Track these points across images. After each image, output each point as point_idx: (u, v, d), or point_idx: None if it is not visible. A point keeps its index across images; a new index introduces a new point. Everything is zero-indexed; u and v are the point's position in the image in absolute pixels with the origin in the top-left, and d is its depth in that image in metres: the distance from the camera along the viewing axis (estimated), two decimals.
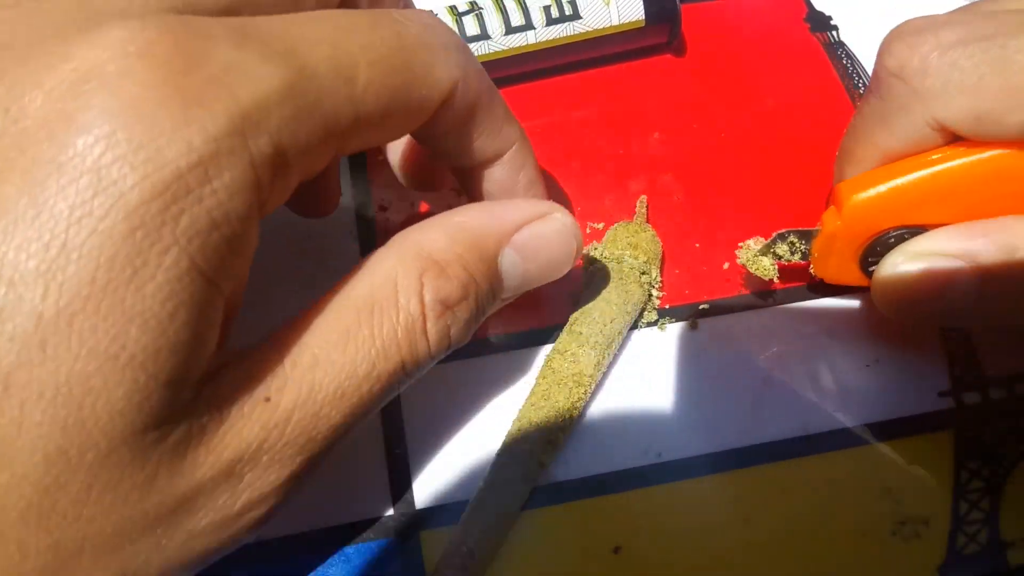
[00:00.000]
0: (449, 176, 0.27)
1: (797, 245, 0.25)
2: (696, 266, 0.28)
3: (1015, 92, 0.20)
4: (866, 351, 0.26)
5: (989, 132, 0.20)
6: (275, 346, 0.17)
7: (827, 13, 0.34)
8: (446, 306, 0.18)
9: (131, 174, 0.13)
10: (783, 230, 0.25)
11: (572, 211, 0.25)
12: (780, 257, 0.25)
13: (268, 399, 0.16)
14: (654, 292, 0.26)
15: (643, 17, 0.31)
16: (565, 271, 0.21)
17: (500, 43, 0.30)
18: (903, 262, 0.22)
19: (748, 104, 0.32)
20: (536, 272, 0.21)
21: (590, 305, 0.25)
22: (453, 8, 0.30)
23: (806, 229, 0.24)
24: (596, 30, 0.30)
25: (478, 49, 0.30)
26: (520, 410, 0.24)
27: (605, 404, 0.25)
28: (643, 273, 0.26)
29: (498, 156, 0.22)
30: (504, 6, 0.30)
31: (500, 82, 0.31)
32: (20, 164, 0.13)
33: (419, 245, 0.18)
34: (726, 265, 0.28)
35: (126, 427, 0.14)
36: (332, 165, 0.18)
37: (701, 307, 0.27)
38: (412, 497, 0.24)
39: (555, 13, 0.30)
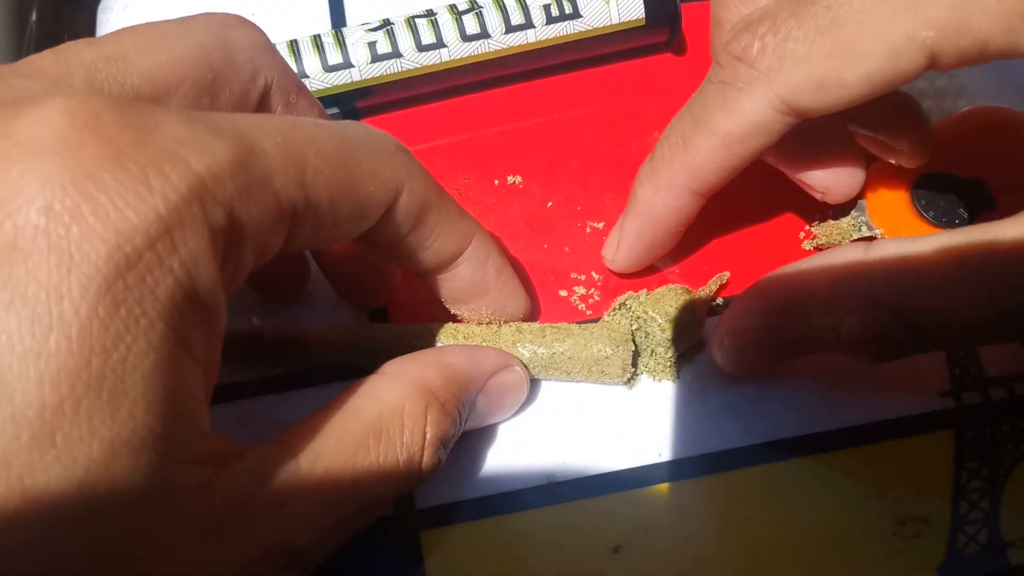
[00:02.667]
0: (391, 288, 0.27)
1: (857, 217, 0.27)
2: (696, 266, 0.28)
3: (848, 47, 0.19)
4: None
5: (834, 96, 0.20)
6: (289, 448, 0.18)
7: None
8: (441, 441, 0.20)
9: (102, 246, 0.13)
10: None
11: (571, 204, 0.25)
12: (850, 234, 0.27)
13: (280, 505, 0.17)
14: (663, 358, 0.25)
15: (643, 16, 0.31)
16: (509, 416, 0.25)
17: (500, 42, 0.30)
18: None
19: None
20: (493, 415, 0.24)
21: (561, 338, 0.24)
22: (453, 7, 0.30)
23: (854, 201, 0.27)
24: (596, 29, 0.30)
25: (477, 48, 0.30)
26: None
27: (605, 404, 0.25)
28: (650, 352, 0.25)
29: (459, 253, 0.22)
30: (504, 4, 0.30)
31: (500, 81, 0.31)
32: None
33: (423, 381, 0.20)
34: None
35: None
36: (292, 253, 0.19)
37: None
38: (413, 497, 0.24)
39: (555, 12, 0.30)
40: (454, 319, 0.25)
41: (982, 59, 0.19)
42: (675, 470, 0.24)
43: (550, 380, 0.25)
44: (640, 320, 0.25)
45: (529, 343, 0.24)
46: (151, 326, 0.13)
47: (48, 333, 0.12)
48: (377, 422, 0.19)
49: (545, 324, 0.25)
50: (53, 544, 0.13)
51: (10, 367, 0.12)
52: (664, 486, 0.24)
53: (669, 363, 0.25)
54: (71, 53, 0.17)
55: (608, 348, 0.24)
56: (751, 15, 0.22)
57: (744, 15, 0.22)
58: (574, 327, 0.25)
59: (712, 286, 0.27)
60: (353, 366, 0.24)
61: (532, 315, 0.26)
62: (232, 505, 0.16)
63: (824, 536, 0.23)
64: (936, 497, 0.24)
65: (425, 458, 0.20)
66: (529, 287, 0.27)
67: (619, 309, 0.26)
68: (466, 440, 0.25)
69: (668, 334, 0.25)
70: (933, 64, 0.19)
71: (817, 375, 0.25)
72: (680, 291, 0.26)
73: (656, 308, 0.25)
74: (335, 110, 0.31)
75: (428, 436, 0.20)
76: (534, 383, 0.25)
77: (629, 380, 0.25)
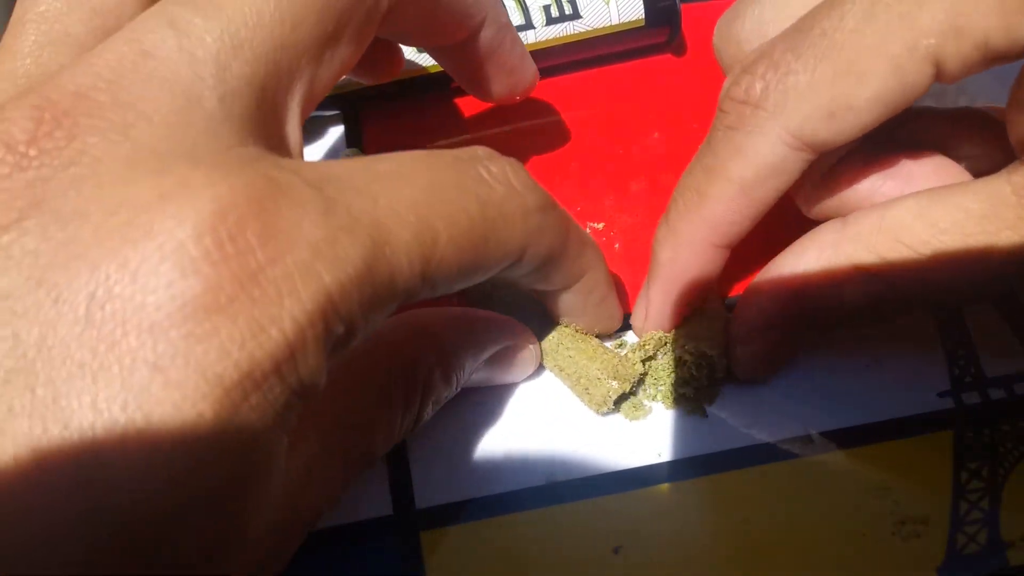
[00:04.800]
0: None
1: None
2: None
3: (850, 69, 0.19)
4: (866, 351, 0.26)
5: (847, 124, 0.19)
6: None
7: None
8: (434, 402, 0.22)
9: (235, 372, 0.13)
10: None
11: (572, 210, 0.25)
12: None
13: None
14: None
15: (643, 16, 0.31)
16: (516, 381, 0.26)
17: None
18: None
19: None
20: (495, 381, 0.25)
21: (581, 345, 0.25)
22: None
23: None
24: (596, 30, 0.30)
25: None
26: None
27: None
28: (674, 397, 0.25)
29: (566, 288, 0.22)
30: (503, 6, 0.30)
31: None
32: (111, 360, 0.13)
33: (430, 348, 0.22)
34: None
35: None
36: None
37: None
38: (412, 497, 0.24)
39: (555, 12, 0.30)
40: None
41: (986, 63, 0.18)
42: (675, 470, 0.24)
43: (554, 375, 0.26)
44: (674, 351, 0.25)
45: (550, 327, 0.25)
46: (268, 434, 0.14)
47: (177, 456, 0.13)
48: (387, 389, 0.20)
49: (570, 327, 0.25)
50: None
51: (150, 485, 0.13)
52: (664, 486, 0.24)
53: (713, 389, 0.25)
54: (194, 40, 0.15)
55: (601, 374, 0.24)
56: (747, 58, 0.21)
57: (740, 60, 0.22)
58: (594, 341, 0.25)
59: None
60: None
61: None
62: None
63: (823, 536, 0.23)
64: (935, 497, 0.24)
65: (424, 417, 0.22)
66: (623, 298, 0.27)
67: (650, 346, 0.25)
68: (466, 440, 0.25)
69: (717, 350, 0.24)
70: (939, 74, 0.19)
71: (816, 375, 0.26)
72: (704, 311, 0.25)
73: (696, 336, 0.25)
74: (331, 112, 0.31)
75: (429, 400, 0.21)
76: (536, 377, 0.26)
77: (605, 414, 0.25)
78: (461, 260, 0.17)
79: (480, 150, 0.19)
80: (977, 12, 0.17)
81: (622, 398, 0.25)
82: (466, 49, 0.24)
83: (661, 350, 0.25)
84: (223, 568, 0.14)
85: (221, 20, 0.15)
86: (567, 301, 0.23)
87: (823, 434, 0.25)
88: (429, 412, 0.22)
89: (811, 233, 0.22)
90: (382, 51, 0.26)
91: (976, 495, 0.24)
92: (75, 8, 0.17)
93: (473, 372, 0.23)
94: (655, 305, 0.25)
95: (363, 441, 0.20)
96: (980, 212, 0.19)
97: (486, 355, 0.23)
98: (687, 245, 0.23)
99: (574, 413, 0.25)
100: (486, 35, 0.23)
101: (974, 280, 0.19)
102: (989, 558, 0.23)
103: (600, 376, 0.24)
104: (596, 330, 0.25)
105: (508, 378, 0.25)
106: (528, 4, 0.30)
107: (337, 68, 0.18)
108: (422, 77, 0.30)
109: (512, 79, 0.26)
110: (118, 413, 0.12)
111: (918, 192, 0.20)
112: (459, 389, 0.23)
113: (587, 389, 0.24)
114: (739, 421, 0.25)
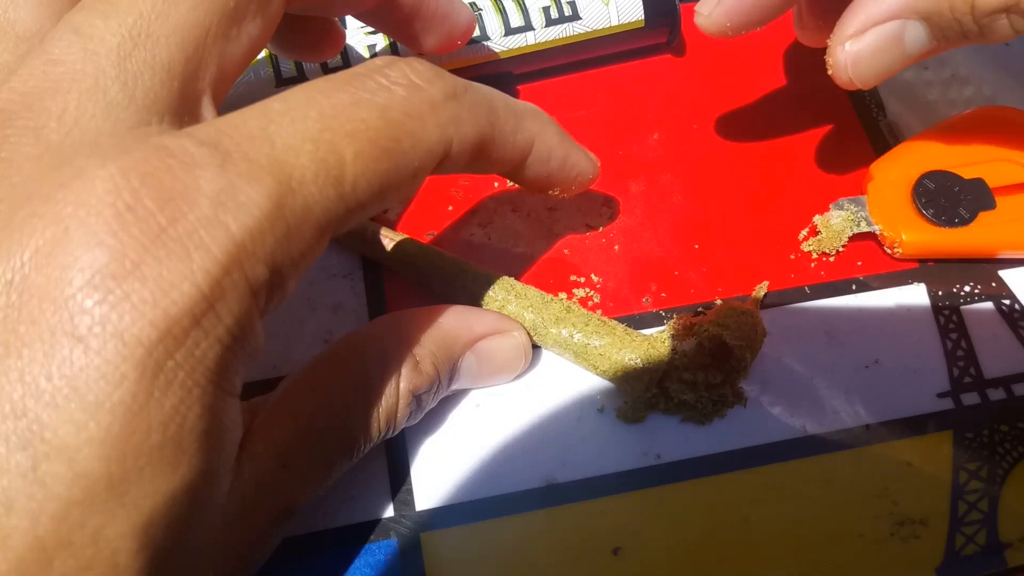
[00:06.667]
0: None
1: (857, 212, 0.27)
2: (695, 267, 0.28)
3: None
4: (866, 351, 0.26)
5: None
6: (286, 409, 0.20)
7: None
8: (415, 395, 0.22)
9: (153, 332, 0.14)
10: (837, 200, 0.28)
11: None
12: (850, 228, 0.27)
13: (284, 467, 0.19)
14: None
15: (643, 17, 0.31)
16: (511, 379, 0.26)
17: (499, 44, 0.30)
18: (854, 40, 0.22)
19: (748, 105, 0.32)
20: (487, 376, 0.25)
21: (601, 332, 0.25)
22: None
23: (855, 197, 0.28)
24: (595, 31, 0.30)
25: (477, 51, 0.30)
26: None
27: (604, 405, 0.25)
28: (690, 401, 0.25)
29: (523, 158, 0.22)
30: (503, 7, 0.30)
31: (500, 83, 0.31)
32: (34, 337, 0.13)
33: (404, 337, 0.22)
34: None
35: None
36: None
37: (698, 310, 0.27)
38: (412, 498, 0.24)
39: (554, 14, 0.30)
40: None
41: None
42: (674, 472, 0.24)
43: (582, 368, 0.26)
44: (708, 336, 0.25)
45: (571, 326, 0.25)
46: (203, 392, 0.15)
47: (112, 421, 0.13)
48: (363, 373, 0.21)
49: (594, 314, 0.26)
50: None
51: (78, 450, 0.13)
52: (664, 488, 0.24)
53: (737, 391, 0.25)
54: (96, 40, 0.16)
55: (639, 361, 0.24)
56: None
57: None
58: (620, 327, 0.25)
59: (759, 292, 0.27)
60: (412, 278, 0.27)
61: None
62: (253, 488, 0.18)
63: (822, 537, 0.23)
64: (934, 498, 0.24)
65: (400, 408, 0.21)
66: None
67: (677, 330, 0.25)
68: (465, 442, 0.25)
69: (739, 342, 0.24)
70: None
71: (816, 375, 0.26)
72: (736, 308, 0.25)
73: (721, 323, 0.25)
74: None
75: (402, 389, 0.21)
76: (536, 379, 0.26)
77: (651, 398, 0.25)
78: (378, 170, 0.17)
79: (379, 60, 0.19)
80: None
81: (662, 381, 0.25)
82: (391, 10, 0.24)
83: (686, 339, 0.25)
84: (185, 533, 0.15)
85: (119, 17, 0.17)
86: (531, 174, 0.23)
87: (823, 435, 0.25)
88: (414, 406, 0.22)
89: None
90: (317, 29, 0.26)
91: (975, 496, 0.24)
92: (1, 40, 0.19)
93: (459, 366, 0.23)
94: None
95: (342, 431, 0.21)
96: None
97: (468, 345, 0.23)
98: None
99: (573, 415, 0.25)
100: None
101: None
102: (988, 559, 0.23)
103: (635, 362, 0.25)
104: (575, 188, 0.25)
105: (500, 372, 0.25)
106: (528, 5, 0.30)
107: (247, 44, 0.19)
108: None
109: (445, 27, 0.26)
110: (44, 384, 0.13)
111: None
112: (446, 384, 0.23)
113: (625, 379, 0.25)
114: (738, 422, 0.25)
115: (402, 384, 0.21)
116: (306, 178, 0.16)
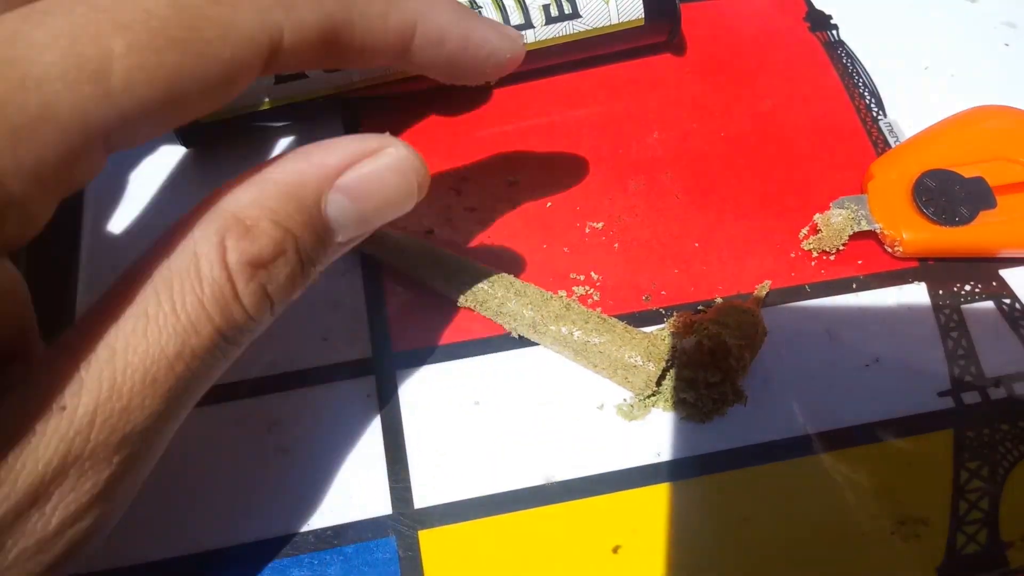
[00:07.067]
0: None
1: (857, 210, 0.27)
2: (695, 266, 0.28)
3: None
4: (866, 350, 0.26)
5: None
6: (67, 348, 0.15)
7: (827, 12, 0.34)
8: (257, 266, 0.17)
9: None
10: (838, 199, 0.28)
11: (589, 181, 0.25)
12: (848, 227, 0.27)
13: (63, 408, 0.15)
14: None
15: (643, 16, 0.31)
16: (409, 207, 0.20)
17: None
18: None
19: (748, 104, 0.32)
20: (373, 212, 0.19)
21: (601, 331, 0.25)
22: None
23: (855, 195, 0.28)
24: (595, 29, 0.30)
25: None
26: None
27: (604, 404, 0.25)
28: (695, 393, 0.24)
29: (404, 43, 0.19)
30: (503, 5, 0.30)
31: (500, 81, 0.31)
32: None
33: (222, 207, 0.17)
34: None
35: None
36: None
37: (699, 308, 0.27)
38: (412, 497, 0.24)
39: (554, 12, 0.30)
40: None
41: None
42: (674, 470, 0.24)
43: (581, 366, 0.26)
44: (707, 333, 0.25)
45: (571, 323, 0.25)
46: None
47: None
48: (166, 271, 0.16)
49: (594, 312, 0.26)
50: None
51: None
52: (663, 486, 0.24)
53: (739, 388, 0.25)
54: None
55: (639, 358, 0.24)
56: None
57: None
58: (620, 325, 0.25)
59: (761, 290, 0.27)
60: (410, 275, 0.27)
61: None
62: (2, 444, 0.15)
63: (823, 536, 0.23)
64: (935, 497, 0.24)
65: (240, 289, 0.17)
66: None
67: (677, 328, 0.25)
68: (464, 440, 0.25)
69: (739, 341, 0.24)
70: None
71: (816, 375, 0.25)
72: (737, 306, 0.26)
73: (721, 322, 0.25)
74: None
75: (232, 264, 0.16)
76: (535, 377, 0.26)
77: (650, 397, 0.25)
78: (163, 62, 0.15)
79: None
80: None
81: (660, 379, 0.25)
82: (409, 60, 0.21)
83: (686, 337, 0.25)
84: None
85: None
86: (423, 61, 0.20)
87: (823, 434, 0.25)
88: (278, 279, 0.17)
89: None
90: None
91: (976, 495, 0.24)
92: None
93: (327, 214, 0.18)
94: None
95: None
96: None
97: (322, 184, 0.18)
98: None
99: (572, 412, 0.25)
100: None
101: None
102: (989, 558, 0.23)
103: (636, 360, 0.24)
104: (491, 72, 0.22)
105: (392, 204, 0.19)
106: (527, 3, 0.30)
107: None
108: (418, 76, 0.30)
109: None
110: None
111: None
112: (314, 241, 0.18)
113: (626, 378, 0.25)
114: (738, 421, 0.25)
115: (231, 258, 0.16)
116: (50, 75, 0.14)
